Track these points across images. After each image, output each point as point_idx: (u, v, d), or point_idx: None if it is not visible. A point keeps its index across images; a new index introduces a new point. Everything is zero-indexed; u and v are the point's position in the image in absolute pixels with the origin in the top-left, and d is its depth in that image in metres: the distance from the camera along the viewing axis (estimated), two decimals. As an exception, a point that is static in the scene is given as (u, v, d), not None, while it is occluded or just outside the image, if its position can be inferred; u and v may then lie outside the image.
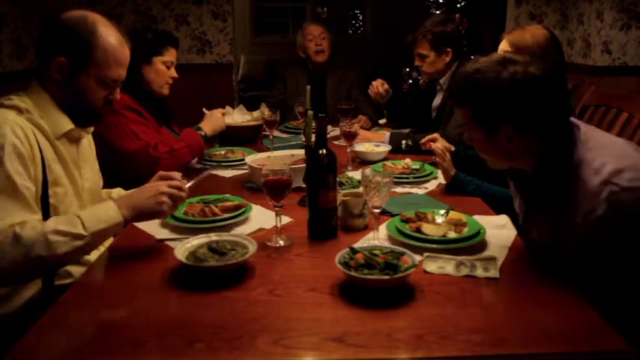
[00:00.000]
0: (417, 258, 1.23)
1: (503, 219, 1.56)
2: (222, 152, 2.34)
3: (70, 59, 1.40)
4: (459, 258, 1.29)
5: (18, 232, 1.20)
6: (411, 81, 6.09)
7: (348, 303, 1.13)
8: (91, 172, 1.62)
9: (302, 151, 2.09)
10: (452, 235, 1.43)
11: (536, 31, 1.94)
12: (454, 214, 1.54)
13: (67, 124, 1.45)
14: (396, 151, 2.38)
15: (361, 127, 2.73)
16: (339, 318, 1.08)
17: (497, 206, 1.71)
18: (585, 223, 1.23)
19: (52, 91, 1.43)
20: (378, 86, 2.85)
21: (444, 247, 1.36)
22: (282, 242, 1.44)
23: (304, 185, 1.51)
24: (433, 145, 1.92)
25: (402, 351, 0.98)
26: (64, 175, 1.46)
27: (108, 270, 1.36)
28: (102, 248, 1.54)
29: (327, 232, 1.48)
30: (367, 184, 1.37)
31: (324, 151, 1.44)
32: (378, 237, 1.43)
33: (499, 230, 1.50)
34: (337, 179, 1.50)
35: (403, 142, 2.46)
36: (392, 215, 1.60)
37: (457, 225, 1.47)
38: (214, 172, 2.13)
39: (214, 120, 2.39)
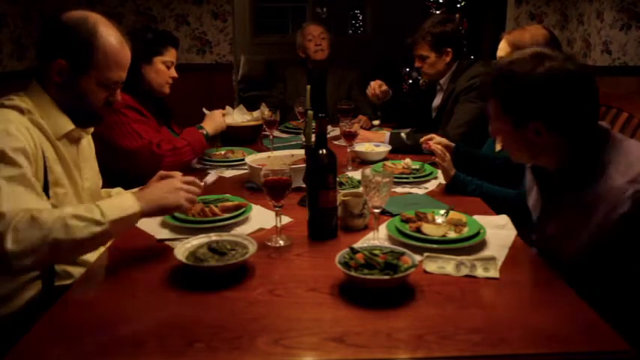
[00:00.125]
0: (417, 258, 1.23)
1: (504, 219, 1.56)
2: (222, 152, 2.34)
3: (71, 61, 1.40)
4: (459, 258, 1.29)
5: (35, 215, 1.18)
6: (411, 81, 6.09)
7: (348, 303, 1.13)
8: (90, 172, 1.63)
9: (302, 151, 2.09)
10: (452, 235, 1.43)
11: (535, 31, 1.94)
12: (454, 214, 1.54)
13: (67, 125, 1.45)
14: (396, 151, 2.38)
15: (361, 127, 2.73)
16: (339, 318, 1.08)
17: (497, 206, 1.71)
18: (606, 221, 1.23)
19: (52, 92, 1.43)
20: (375, 87, 2.84)
21: (444, 247, 1.36)
22: (282, 242, 1.44)
23: (304, 185, 1.51)
24: (433, 146, 1.92)
25: (402, 351, 0.98)
26: (65, 175, 1.46)
27: (108, 270, 1.36)
28: (102, 248, 1.54)
29: (327, 232, 1.48)
30: (367, 184, 1.37)
31: (324, 151, 1.44)
32: (378, 237, 1.43)
33: (499, 230, 1.50)
34: (337, 179, 1.50)
35: (403, 133, 2.46)
36: (392, 215, 1.60)
37: (457, 225, 1.47)
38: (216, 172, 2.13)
39: (215, 120, 2.39)
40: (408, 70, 6.13)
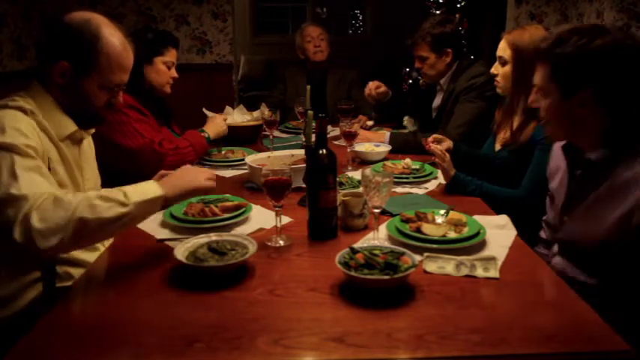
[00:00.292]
0: (417, 258, 1.23)
1: (504, 219, 1.56)
2: (223, 152, 2.34)
3: (73, 64, 1.39)
4: (459, 258, 1.29)
5: (59, 196, 1.19)
6: (411, 81, 6.08)
7: (348, 303, 1.13)
8: (91, 173, 1.63)
9: (302, 151, 2.09)
10: (452, 235, 1.43)
11: (535, 31, 1.94)
12: (454, 214, 1.54)
13: (70, 126, 1.45)
14: (396, 151, 2.38)
15: (361, 127, 2.73)
16: (339, 318, 1.08)
17: (497, 206, 1.71)
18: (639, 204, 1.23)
19: (54, 93, 1.42)
20: (372, 89, 2.84)
21: (444, 247, 1.36)
22: (282, 242, 1.44)
23: (304, 185, 1.51)
24: (432, 146, 1.92)
25: (402, 351, 0.98)
26: (67, 176, 1.46)
27: (108, 270, 1.36)
28: (102, 248, 1.54)
29: (327, 232, 1.48)
30: (367, 184, 1.37)
31: (324, 151, 1.44)
32: (378, 237, 1.43)
33: (499, 230, 1.50)
34: (337, 179, 1.50)
35: (405, 119, 2.46)
36: (392, 215, 1.60)
37: (457, 225, 1.47)
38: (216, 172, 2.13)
39: (217, 125, 2.41)
40: (408, 70, 6.12)
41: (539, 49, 1.36)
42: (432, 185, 1.96)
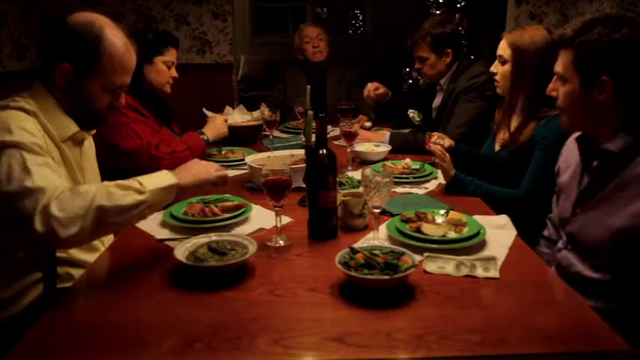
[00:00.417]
0: (417, 258, 1.23)
1: (504, 219, 1.56)
2: (223, 152, 2.34)
3: (76, 65, 1.38)
4: (459, 258, 1.29)
5: (75, 187, 1.22)
6: (411, 81, 6.08)
7: (348, 303, 1.13)
8: (92, 173, 1.63)
9: (302, 151, 2.09)
10: (452, 235, 1.43)
11: (535, 31, 1.94)
12: (454, 214, 1.54)
13: (72, 127, 1.44)
14: (396, 151, 2.38)
15: (361, 127, 2.73)
16: (339, 318, 1.08)
17: (497, 206, 1.71)
18: None
19: (56, 94, 1.42)
20: (371, 90, 2.84)
21: (444, 247, 1.36)
22: (282, 242, 1.44)
23: (304, 185, 1.51)
24: (433, 146, 1.92)
25: (402, 351, 0.98)
26: (68, 177, 1.46)
27: (108, 270, 1.36)
28: (102, 248, 1.54)
29: (327, 232, 1.48)
30: (367, 184, 1.37)
31: (324, 151, 1.44)
32: (378, 237, 1.43)
33: (499, 230, 1.50)
34: (337, 179, 1.50)
35: (410, 112, 2.45)
36: (392, 215, 1.60)
37: (457, 225, 1.47)
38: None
39: (217, 127, 2.41)
40: (408, 70, 6.12)
41: (563, 35, 1.37)
42: (432, 185, 1.96)
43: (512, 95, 1.99)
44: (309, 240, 1.47)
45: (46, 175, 1.24)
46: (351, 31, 8.73)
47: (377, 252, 1.24)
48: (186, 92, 3.17)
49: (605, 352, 0.97)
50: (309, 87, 2.14)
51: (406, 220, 1.51)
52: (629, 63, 1.29)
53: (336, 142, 2.60)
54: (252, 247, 1.31)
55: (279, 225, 1.45)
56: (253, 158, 2.04)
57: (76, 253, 1.51)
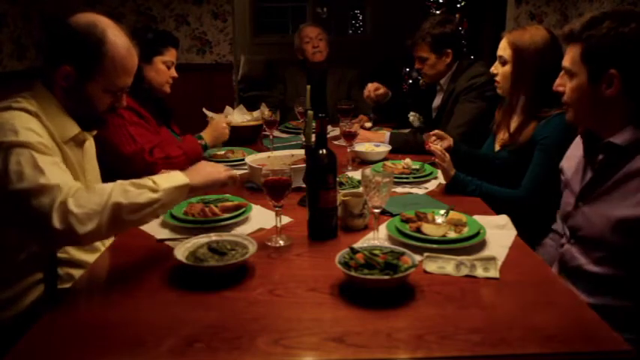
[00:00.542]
0: (417, 258, 1.23)
1: (504, 219, 1.56)
2: (223, 152, 2.34)
3: (78, 67, 1.37)
4: (459, 258, 1.29)
5: (90, 185, 1.23)
6: (411, 81, 6.08)
7: (348, 303, 1.13)
8: (93, 174, 1.63)
9: (302, 151, 2.09)
10: (452, 235, 1.43)
11: (535, 31, 1.94)
12: (454, 214, 1.54)
13: (74, 128, 1.44)
14: (396, 151, 2.38)
15: (361, 127, 2.73)
16: (339, 318, 1.08)
17: (497, 206, 1.71)
18: None
19: (57, 95, 1.41)
20: (371, 90, 2.84)
21: (444, 247, 1.36)
22: (282, 242, 1.44)
23: (304, 185, 1.51)
24: (433, 146, 1.92)
25: (402, 351, 0.98)
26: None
27: (108, 270, 1.36)
28: (102, 248, 1.54)
29: (327, 232, 1.48)
30: (367, 184, 1.37)
31: (324, 151, 1.44)
32: (378, 237, 1.43)
33: (499, 230, 1.50)
34: (337, 179, 1.50)
35: (411, 115, 2.45)
36: (392, 215, 1.60)
37: (457, 225, 1.47)
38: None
39: (218, 131, 2.39)
40: (408, 70, 6.12)
41: (572, 30, 1.37)
42: (432, 185, 1.96)
43: (512, 95, 1.99)
44: (309, 240, 1.47)
45: (59, 173, 1.25)
46: (351, 31, 8.74)
47: (377, 252, 1.24)
48: (186, 92, 3.18)
49: (606, 352, 0.97)
50: (309, 87, 2.14)
51: (406, 220, 1.51)
52: (637, 56, 1.29)
53: (336, 142, 2.60)
54: (252, 247, 1.31)
55: (279, 225, 1.45)
56: (253, 158, 2.04)
57: (76, 253, 1.51)
